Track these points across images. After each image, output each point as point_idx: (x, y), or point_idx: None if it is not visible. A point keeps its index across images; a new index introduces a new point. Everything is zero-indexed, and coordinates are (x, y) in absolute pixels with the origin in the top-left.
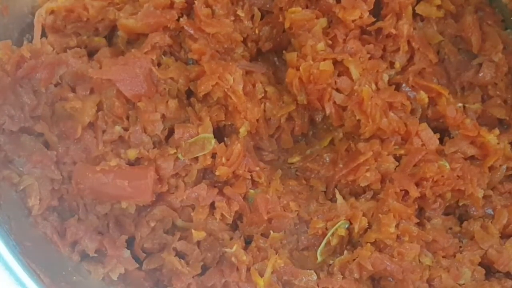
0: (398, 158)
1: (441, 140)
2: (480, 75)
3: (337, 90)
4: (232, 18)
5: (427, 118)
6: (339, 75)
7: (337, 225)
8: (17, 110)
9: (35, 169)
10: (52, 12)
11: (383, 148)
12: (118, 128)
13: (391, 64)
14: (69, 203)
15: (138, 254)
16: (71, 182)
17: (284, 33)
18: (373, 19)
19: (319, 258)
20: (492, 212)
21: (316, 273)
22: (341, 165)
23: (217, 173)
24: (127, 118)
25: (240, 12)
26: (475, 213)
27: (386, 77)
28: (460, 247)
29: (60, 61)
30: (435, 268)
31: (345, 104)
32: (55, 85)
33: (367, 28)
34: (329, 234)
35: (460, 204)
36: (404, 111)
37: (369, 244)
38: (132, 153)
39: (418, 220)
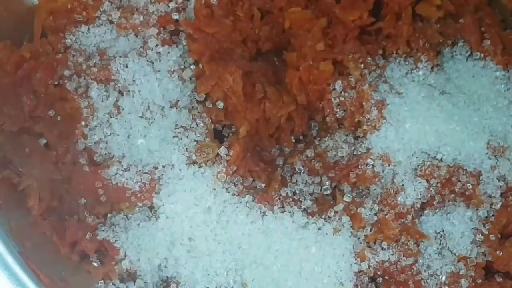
0: None
1: None
2: None
3: (337, 90)
4: (232, 18)
5: None
6: (339, 75)
7: None
8: (17, 110)
9: (35, 169)
10: (52, 12)
11: None
12: None
13: None
14: (69, 203)
15: None
16: (71, 182)
17: (284, 33)
18: (373, 19)
19: None
20: None
21: None
22: (342, 165)
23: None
24: None
25: (239, 12)
26: None
27: None
28: None
29: (60, 61)
30: None
31: (345, 104)
32: (55, 85)
33: (367, 28)
34: None
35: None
36: None
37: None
38: None
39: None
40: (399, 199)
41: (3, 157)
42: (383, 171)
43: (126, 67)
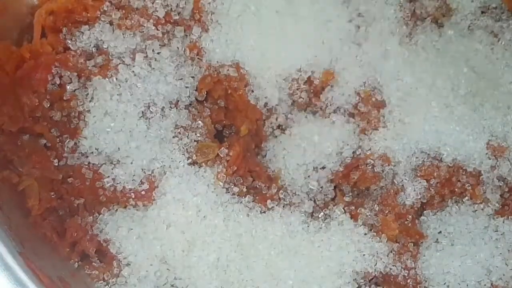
0: None
1: None
2: None
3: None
4: None
5: None
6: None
7: None
8: (17, 110)
9: (35, 169)
10: (52, 12)
11: None
12: None
13: None
14: (69, 203)
15: None
16: (71, 182)
17: None
18: None
19: None
20: None
21: None
22: (342, 165)
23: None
24: None
25: None
26: None
27: None
28: None
29: (60, 61)
30: None
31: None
32: (55, 85)
33: None
34: None
35: None
36: None
37: None
38: None
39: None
40: (399, 199)
41: (3, 157)
42: (383, 171)
43: (126, 67)
